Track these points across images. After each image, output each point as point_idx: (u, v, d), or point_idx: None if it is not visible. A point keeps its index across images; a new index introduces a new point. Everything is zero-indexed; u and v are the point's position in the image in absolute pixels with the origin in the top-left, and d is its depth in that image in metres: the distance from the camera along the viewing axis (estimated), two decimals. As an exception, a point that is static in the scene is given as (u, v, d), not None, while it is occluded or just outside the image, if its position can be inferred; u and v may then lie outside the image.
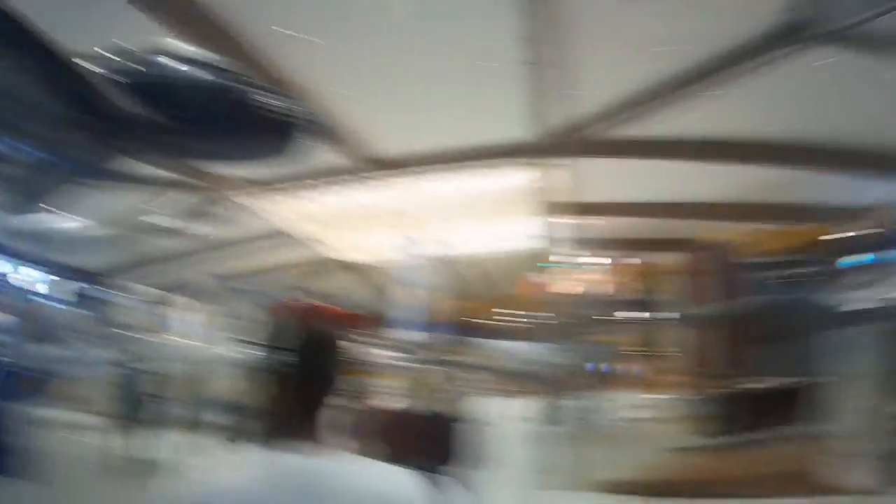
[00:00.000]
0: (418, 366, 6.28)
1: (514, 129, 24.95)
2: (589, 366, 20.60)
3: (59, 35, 8.63)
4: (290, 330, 1.91)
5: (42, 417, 12.90)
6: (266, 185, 27.19)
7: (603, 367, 21.11)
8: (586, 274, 20.37)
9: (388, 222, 34.62)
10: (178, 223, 19.98)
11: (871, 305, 13.20)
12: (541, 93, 21.69)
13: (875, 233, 19.74)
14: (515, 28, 18.49)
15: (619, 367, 27.98)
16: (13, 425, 9.70)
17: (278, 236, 35.04)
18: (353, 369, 2.01)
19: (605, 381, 23.22)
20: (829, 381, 10.46)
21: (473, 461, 5.94)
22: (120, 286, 29.05)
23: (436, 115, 23.66)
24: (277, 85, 11.86)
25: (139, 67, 9.02)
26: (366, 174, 27.96)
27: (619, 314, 29.04)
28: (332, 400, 1.93)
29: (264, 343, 1.93)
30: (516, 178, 30.63)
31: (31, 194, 10.95)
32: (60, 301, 26.90)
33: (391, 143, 26.23)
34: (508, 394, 26.40)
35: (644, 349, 32.18)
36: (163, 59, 9.14)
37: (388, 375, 11.41)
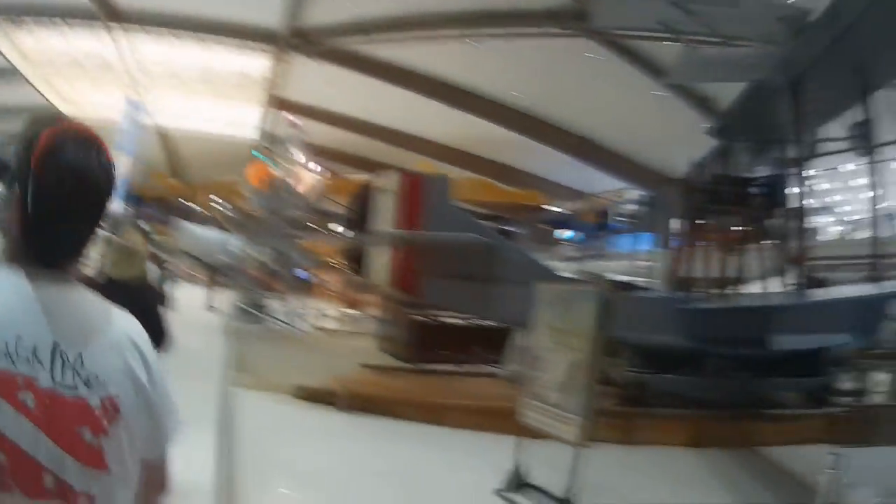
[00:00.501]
0: (112, 235, 5.65)
1: (264, 14, 23.92)
2: (288, 269, 20.31)
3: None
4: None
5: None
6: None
7: (301, 273, 20.83)
8: (299, 176, 19.91)
9: (114, 80, 32.60)
10: None
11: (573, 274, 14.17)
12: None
13: (583, 215, 21.29)
14: None
15: (318, 276, 28.02)
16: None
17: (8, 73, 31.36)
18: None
19: (302, 287, 23.12)
20: (522, 329, 11.12)
21: (164, 341, 5.45)
22: None
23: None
24: None
25: None
26: (102, 22, 25.39)
27: (325, 224, 28.98)
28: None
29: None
30: (253, 64, 29.72)
31: None
32: None
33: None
34: (202, 283, 25.56)
35: (343, 263, 32.48)
36: None
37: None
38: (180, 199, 40.68)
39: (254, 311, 18.29)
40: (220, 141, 38.13)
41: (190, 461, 2.59)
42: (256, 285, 19.98)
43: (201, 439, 5.14)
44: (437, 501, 6.79)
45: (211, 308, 21.79)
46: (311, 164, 21.68)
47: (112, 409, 1.48)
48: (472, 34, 22.13)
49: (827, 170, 13.93)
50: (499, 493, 6.86)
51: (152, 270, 7.75)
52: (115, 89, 32.99)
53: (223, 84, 32.06)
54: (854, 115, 10.15)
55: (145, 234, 9.84)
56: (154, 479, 1.66)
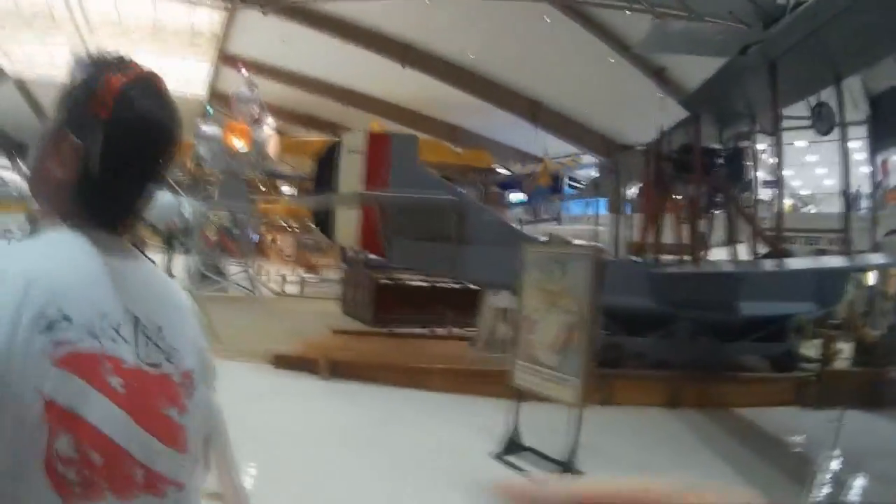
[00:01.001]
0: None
1: None
2: (245, 232, 20.00)
3: None
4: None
5: None
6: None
7: (257, 235, 20.54)
8: (244, 132, 19.43)
9: (60, 34, 31.19)
10: None
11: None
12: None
13: (536, 179, 21.39)
14: None
15: (274, 239, 27.86)
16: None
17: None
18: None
19: (260, 250, 22.88)
20: (491, 289, 11.20)
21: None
22: None
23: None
24: None
25: None
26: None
27: (279, 185, 28.61)
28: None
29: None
30: (202, 18, 28.91)
31: None
32: None
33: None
34: (157, 248, 25.01)
35: (301, 226, 32.19)
36: None
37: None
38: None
39: (213, 276, 18.03)
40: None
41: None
42: (214, 249, 19.69)
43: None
44: (428, 468, 6.76)
45: (169, 275, 21.31)
46: (268, 123, 21.19)
47: (189, 383, 1.38)
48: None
49: (787, 145, 14.35)
50: (496, 456, 6.88)
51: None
52: (61, 45, 31.85)
53: (172, 39, 31.18)
54: (818, 98, 10.59)
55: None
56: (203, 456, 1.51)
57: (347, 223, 10.51)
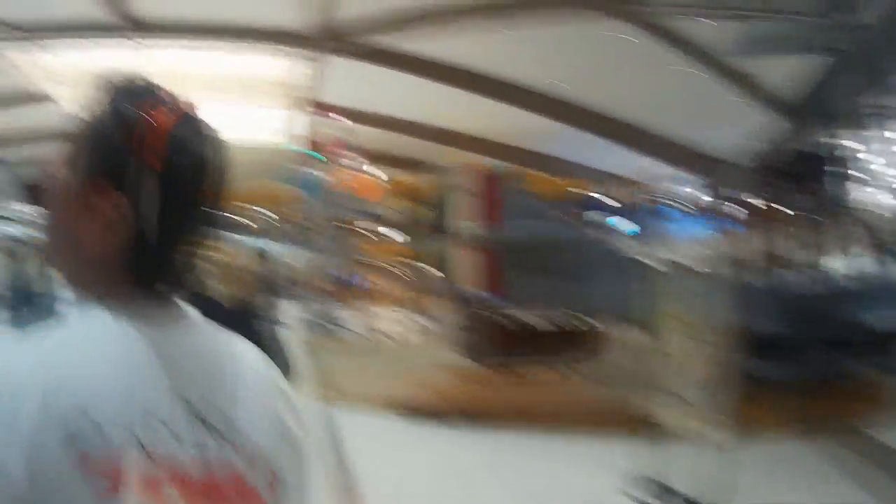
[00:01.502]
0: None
1: (285, 14, 23.72)
2: (351, 276, 20.14)
3: None
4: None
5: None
6: (14, 30, 23.61)
7: (364, 279, 20.56)
8: (344, 178, 19.54)
9: None
10: None
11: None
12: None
13: (634, 202, 20.95)
14: None
15: (381, 281, 27.91)
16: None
17: (28, 97, 31.42)
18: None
19: (367, 293, 22.94)
20: (613, 323, 10.83)
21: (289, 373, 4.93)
22: None
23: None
24: None
25: None
26: (128, 34, 25.31)
27: (381, 228, 28.80)
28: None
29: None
30: (280, 66, 29.49)
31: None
32: None
33: (162, 8, 24.19)
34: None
35: (410, 266, 32.34)
36: None
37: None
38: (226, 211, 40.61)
39: (324, 323, 18.11)
40: (259, 148, 38.13)
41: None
42: (323, 296, 19.84)
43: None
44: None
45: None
46: (365, 167, 21.37)
47: (275, 485, 1.13)
48: (507, 23, 21.75)
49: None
50: (638, 500, 6.54)
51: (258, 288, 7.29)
52: None
53: (259, 90, 31.97)
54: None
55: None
56: None
57: (463, 263, 10.39)
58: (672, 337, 6.98)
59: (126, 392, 0.99)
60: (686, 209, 31.26)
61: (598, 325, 11.98)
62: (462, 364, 14.46)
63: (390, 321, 21.50)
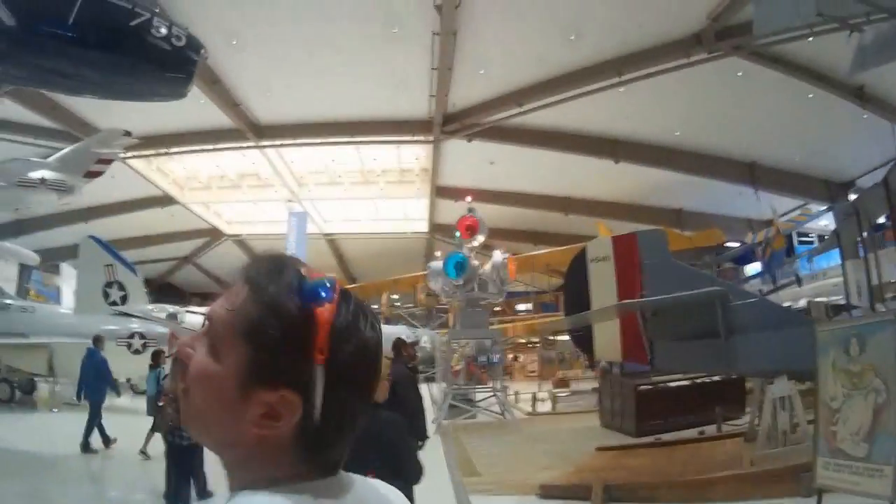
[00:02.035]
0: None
1: (413, 104, 24.16)
2: (489, 356, 19.86)
3: None
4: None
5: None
6: (149, 143, 25.07)
7: (497, 356, 20.22)
8: (480, 260, 19.56)
9: (272, 194, 33.91)
10: (66, 178, 17.45)
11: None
12: (444, 70, 21.11)
13: (769, 244, 19.86)
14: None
15: (514, 356, 27.86)
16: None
17: (164, 201, 33.31)
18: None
19: (505, 372, 22.68)
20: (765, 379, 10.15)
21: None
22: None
23: (331, 81, 22.72)
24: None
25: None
26: (256, 141, 26.40)
27: (514, 302, 28.72)
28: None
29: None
30: (410, 155, 30.09)
31: None
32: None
33: (281, 110, 25.14)
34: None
35: (540, 340, 32.03)
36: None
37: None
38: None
39: (462, 405, 17.88)
40: (389, 237, 38.93)
41: None
42: (460, 378, 19.70)
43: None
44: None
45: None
46: (495, 246, 21.31)
47: None
48: (619, 81, 21.47)
49: None
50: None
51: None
52: (275, 204, 34.69)
53: (382, 180, 32.74)
54: None
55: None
56: None
57: (607, 336, 9.98)
58: (829, 388, 6.44)
59: None
60: (812, 241, 29.87)
61: (739, 379, 11.33)
62: (602, 435, 13.94)
63: (527, 395, 21.11)
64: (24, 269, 28.50)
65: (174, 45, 8.85)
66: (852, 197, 21.51)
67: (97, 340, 14.80)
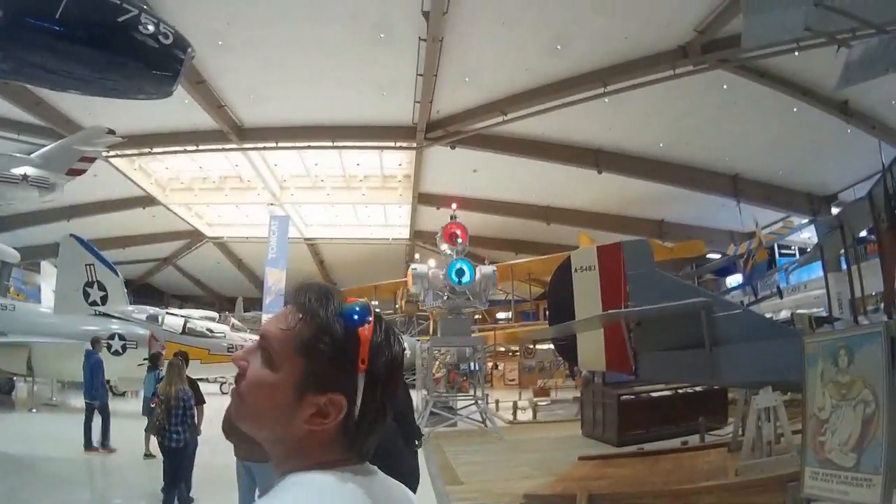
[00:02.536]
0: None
1: (398, 110, 24.20)
2: (469, 365, 19.77)
3: None
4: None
5: None
6: (133, 143, 24.87)
7: (479, 365, 20.14)
8: (461, 267, 19.46)
9: (254, 197, 34.06)
10: (48, 175, 17.20)
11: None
12: (430, 77, 21.20)
13: (748, 255, 20.00)
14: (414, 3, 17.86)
15: (494, 364, 27.83)
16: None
17: (145, 202, 33.24)
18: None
19: (486, 380, 22.54)
20: (749, 390, 10.15)
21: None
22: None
23: (316, 85, 22.75)
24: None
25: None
26: (239, 143, 26.31)
27: (495, 311, 28.64)
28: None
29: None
30: (393, 161, 30.10)
31: None
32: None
33: (265, 112, 25.14)
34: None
35: (520, 349, 32.05)
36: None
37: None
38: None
39: (443, 413, 17.78)
40: (370, 242, 38.94)
41: None
42: (441, 386, 19.62)
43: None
44: None
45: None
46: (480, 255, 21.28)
47: None
48: (604, 92, 21.54)
49: None
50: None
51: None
52: (256, 207, 34.80)
53: (364, 186, 32.75)
54: None
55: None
56: None
57: (591, 345, 9.95)
58: (818, 400, 6.43)
59: None
60: (793, 254, 30.08)
61: (722, 390, 11.34)
62: (584, 444, 13.91)
63: (508, 403, 21.04)
64: (5, 267, 28.10)
65: (161, 43, 8.74)
66: (835, 210, 21.71)
67: (95, 342, 14.68)
